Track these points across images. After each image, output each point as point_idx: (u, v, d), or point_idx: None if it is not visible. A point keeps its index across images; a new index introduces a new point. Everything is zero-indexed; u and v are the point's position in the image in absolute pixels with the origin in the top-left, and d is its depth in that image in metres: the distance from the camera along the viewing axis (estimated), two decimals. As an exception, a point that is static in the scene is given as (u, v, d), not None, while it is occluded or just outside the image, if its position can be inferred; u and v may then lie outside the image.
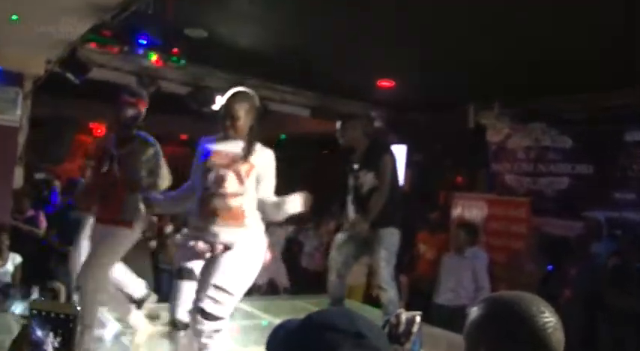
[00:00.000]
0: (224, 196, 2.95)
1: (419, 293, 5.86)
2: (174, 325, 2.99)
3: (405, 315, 1.64)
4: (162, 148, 3.45)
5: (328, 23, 4.50)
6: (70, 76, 5.18)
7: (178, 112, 7.13)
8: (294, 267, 7.33)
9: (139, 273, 3.82)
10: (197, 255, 2.98)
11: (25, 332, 0.90)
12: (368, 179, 4.13)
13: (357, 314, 1.04)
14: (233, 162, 2.98)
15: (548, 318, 1.12)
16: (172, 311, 3.00)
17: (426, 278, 5.76)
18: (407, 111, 6.89)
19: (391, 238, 4.08)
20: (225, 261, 2.94)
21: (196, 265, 3.00)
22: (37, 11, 4.17)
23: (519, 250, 5.68)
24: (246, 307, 5.07)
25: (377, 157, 4.14)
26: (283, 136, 10.22)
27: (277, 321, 3.96)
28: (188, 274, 2.99)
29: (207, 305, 2.84)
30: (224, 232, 2.96)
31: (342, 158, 4.43)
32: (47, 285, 4.81)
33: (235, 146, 3.02)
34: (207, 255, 2.99)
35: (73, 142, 6.96)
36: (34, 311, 0.88)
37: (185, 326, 2.95)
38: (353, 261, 4.33)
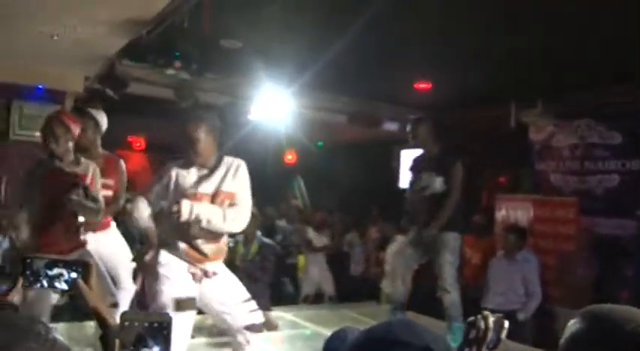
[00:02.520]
0: (207, 238, 2.97)
1: (465, 299, 5.78)
2: None
3: (492, 318, 1.43)
4: None
5: (362, 26, 4.37)
6: (109, 91, 5.23)
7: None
8: (340, 275, 7.31)
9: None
10: (191, 283, 2.93)
11: (112, 342, 0.91)
12: (436, 183, 4.24)
13: (420, 326, 1.01)
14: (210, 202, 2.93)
15: None
16: None
17: (473, 283, 5.68)
18: (446, 112, 6.75)
19: (455, 242, 4.21)
20: (227, 277, 3.04)
21: (191, 293, 2.93)
22: (75, 28, 4.22)
23: (569, 253, 5.51)
24: (290, 316, 5.18)
25: (450, 163, 4.24)
26: (320, 144, 10.22)
27: (322, 330, 4.00)
28: (192, 304, 2.90)
29: (249, 319, 2.92)
30: (210, 267, 3.03)
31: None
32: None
33: (204, 178, 2.97)
34: (202, 280, 2.99)
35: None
36: (127, 323, 0.92)
37: None
38: (415, 265, 4.41)
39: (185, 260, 3.00)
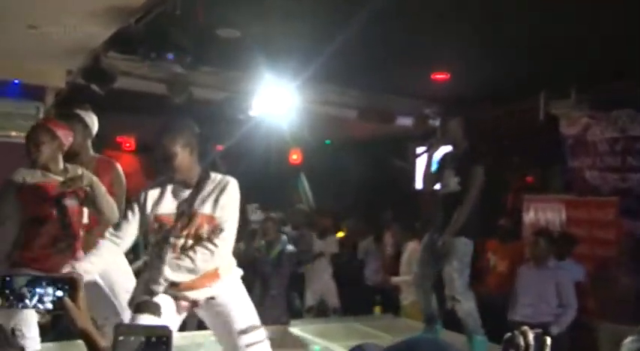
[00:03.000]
0: (192, 269, 2.75)
1: (490, 310, 5.52)
2: None
3: (532, 334, 1.41)
4: None
5: (372, 12, 4.28)
6: (94, 87, 5.15)
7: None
8: (352, 285, 7.27)
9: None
10: (170, 315, 2.72)
11: None
12: (451, 183, 4.29)
13: (448, 344, 1.04)
14: (193, 230, 2.77)
15: None
16: None
17: (498, 293, 5.57)
18: (466, 105, 6.60)
19: (464, 248, 4.19)
20: (228, 302, 2.85)
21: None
22: (55, 18, 4.15)
23: (608, 259, 5.33)
24: (297, 331, 5.04)
25: (469, 165, 4.26)
26: (328, 142, 10.21)
27: (333, 346, 3.84)
28: (155, 308, 2.68)
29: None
30: (200, 293, 2.81)
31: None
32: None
33: (179, 197, 2.81)
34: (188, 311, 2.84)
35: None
36: (121, 337, 0.92)
37: None
38: (433, 274, 4.39)
39: (167, 292, 2.81)
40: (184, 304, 2.78)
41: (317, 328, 5.16)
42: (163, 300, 2.74)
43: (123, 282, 3.61)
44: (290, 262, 5.44)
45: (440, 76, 6.16)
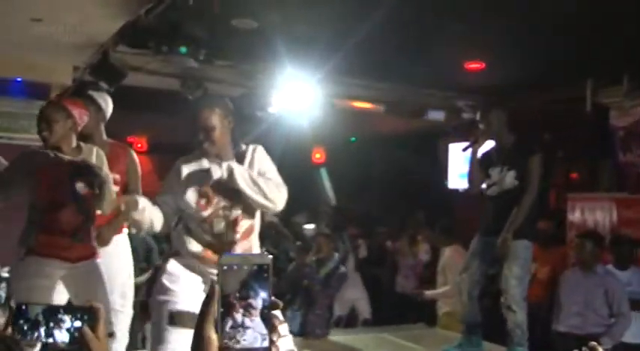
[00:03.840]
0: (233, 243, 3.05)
1: (532, 321, 5.59)
2: None
3: (601, 349, 1.45)
4: None
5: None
6: (102, 84, 5.18)
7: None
8: (381, 292, 7.37)
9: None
10: (197, 297, 2.88)
11: (213, 288, 0.98)
12: (507, 179, 4.28)
13: None
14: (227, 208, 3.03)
15: None
16: None
17: (540, 302, 5.55)
18: (503, 96, 6.61)
19: (525, 252, 4.25)
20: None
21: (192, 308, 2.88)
22: (61, 10, 4.23)
23: None
24: (322, 342, 5.12)
25: (525, 156, 4.30)
26: (353, 139, 10.28)
27: None
28: (187, 320, 2.85)
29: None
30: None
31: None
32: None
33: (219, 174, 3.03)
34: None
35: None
36: (225, 267, 0.97)
37: None
38: (483, 279, 4.45)
39: (198, 271, 3.07)
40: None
41: (346, 339, 5.20)
42: (190, 283, 3.03)
43: (128, 301, 3.84)
44: (340, 282, 5.56)
45: (474, 66, 6.12)
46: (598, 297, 4.86)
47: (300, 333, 5.00)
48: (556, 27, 4.88)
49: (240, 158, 3.11)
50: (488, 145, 4.59)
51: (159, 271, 3.29)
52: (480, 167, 4.49)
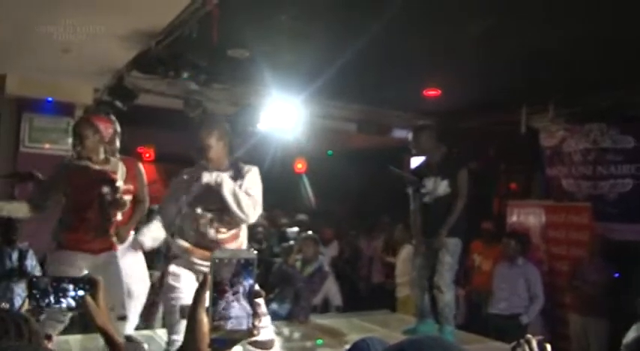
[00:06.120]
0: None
1: (476, 306, 5.91)
2: None
3: (534, 341, 1.49)
4: None
5: (370, 34, 4.35)
6: (118, 103, 5.25)
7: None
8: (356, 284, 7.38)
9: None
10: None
11: (206, 278, 0.98)
12: (440, 187, 4.36)
13: (451, 344, 1.01)
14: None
15: None
16: None
17: (483, 290, 5.74)
18: (456, 118, 6.72)
19: (455, 248, 4.35)
20: None
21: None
22: (86, 42, 4.26)
23: (582, 259, 5.48)
24: (304, 327, 5.11)
25: (454, 168, 4.39)
26: (330, 152, 10.24)
27: (333, 341, 3.96)
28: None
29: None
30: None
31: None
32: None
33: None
34: None
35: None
36: (217, 260, 0.97)
37: None
38: (426, 272, 4.49)
39: (194, 269, 3.14)
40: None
41: (323, 322, 5.26)
42: (191, 281, 3.11)
43: (140, 288, 3.90)
44: (323, 280, 5.46)
45: (431, 92, 6.20)
46: (520, 284, 5.18)
47: (286, 318, 5.08)
48: (499, 62, 4.96)
49: (236, 174, 3.15)
50: (419, 159, 4.67)
51: (164, 273, 3.37)
52: (412, 177, 4.59)
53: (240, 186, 3.11)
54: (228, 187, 3.03)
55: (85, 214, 3.45)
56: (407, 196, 4.62)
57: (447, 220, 4.30)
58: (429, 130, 4.61)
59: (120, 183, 3.49)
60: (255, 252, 1.01)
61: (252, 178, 3.19)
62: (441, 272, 4.33)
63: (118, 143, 3.86)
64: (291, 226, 7.86)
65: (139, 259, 4.03)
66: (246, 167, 3.22)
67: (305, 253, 5.40)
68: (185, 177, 3.18)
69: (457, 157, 4.65)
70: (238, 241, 3.23)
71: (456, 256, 4.38)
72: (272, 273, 5.50)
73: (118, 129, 3.91)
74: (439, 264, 4.34)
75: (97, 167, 3.49)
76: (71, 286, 1.38)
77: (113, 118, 3.87)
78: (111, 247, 3.57)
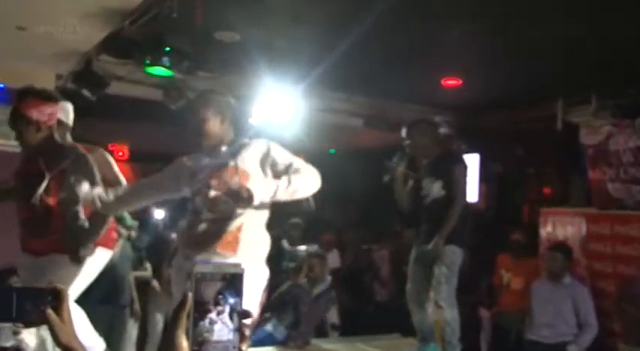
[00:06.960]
0: (215, 221, 2.97)
1: (503, 330, 5.82)
2: None
3: None
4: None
5: (380, 16, 4.33)
6: (85, 92, 5.20)
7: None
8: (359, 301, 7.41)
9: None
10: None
11: (186, 296, 1.00)
12: (434, 189, 4.33)
13: None
14: (220, 178, 2.98)
15: None
16: None
17: (513, 312, 5.64)
18: (479, 113, 6.68)
19: (452, 256, 4.25)
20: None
21: None
22: (45, 19, 4.22)
23: (631, 278, 5.34)
24: None
25: (447, 166, 4.36)
26: (333, 151, 10.33)
27: None
28: None
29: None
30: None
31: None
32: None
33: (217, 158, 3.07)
34: None
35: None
36: (198, 275, 1.00)
37: None
38: (428, 284, 4.39)
39: (187, 256, 3.17)
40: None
41: (323, 348, 5.14)
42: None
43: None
44: (329, 305, 5.53)
45: (451, 82, 6.15)
46: (567, 307, 5.03)
47: (284, 343, 5.03)
48: (530, 48, 4.94)
49: (241, 147, 3.12)
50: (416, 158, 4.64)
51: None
52: (414, 180, 4.54)
53: (240, 156, 3.05)
54: (268, 194, 2.96)
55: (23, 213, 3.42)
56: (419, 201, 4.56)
57: (442, 225, 4.21)
58: (421, 126, 4.56)
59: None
60: (243, 267, 1.03)
61: (269, 151, 3.14)
62: (438, 285, 4.23)
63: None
64: (282, 233, 7.78)
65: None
66: (258, 141, 3.20)
67: (312, 272, 5.48)
68: (187, 161, 3.17)
69: (449, 154, 4.61)
70: (237, 254, 3.10)
71: (454, 266, 4.27)
72: (280, 293, 5.52)
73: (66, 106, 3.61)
74: (435, 277, 4.25)
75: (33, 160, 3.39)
76: (31, 299, 1.36)
77: (51, 93, 3.67)
78: (56, 248, 3.38)
